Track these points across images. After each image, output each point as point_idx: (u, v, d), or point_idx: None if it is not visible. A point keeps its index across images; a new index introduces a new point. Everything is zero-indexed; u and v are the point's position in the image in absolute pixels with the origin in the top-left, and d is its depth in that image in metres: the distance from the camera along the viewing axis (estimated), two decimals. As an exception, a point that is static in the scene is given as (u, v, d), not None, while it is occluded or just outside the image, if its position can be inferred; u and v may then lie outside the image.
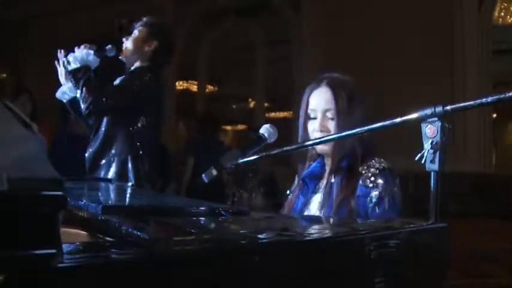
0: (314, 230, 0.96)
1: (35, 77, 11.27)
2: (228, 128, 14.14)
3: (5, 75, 13.73)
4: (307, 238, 0.83)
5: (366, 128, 1.39)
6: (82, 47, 2.89)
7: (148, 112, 2.97)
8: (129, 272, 0.63)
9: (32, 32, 12.55)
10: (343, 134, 1.51)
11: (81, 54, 2.86)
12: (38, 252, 0.56)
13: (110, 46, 2.99)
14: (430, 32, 9.39)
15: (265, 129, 1.89)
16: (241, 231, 0.86)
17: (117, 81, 3.04)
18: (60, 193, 0.58)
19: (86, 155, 3.00)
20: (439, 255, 1.03)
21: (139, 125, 2.94)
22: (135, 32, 3.07)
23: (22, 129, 0.76)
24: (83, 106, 2.84)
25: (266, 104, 13.53)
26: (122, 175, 2.84)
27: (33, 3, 11.43)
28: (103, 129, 2.97)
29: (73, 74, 2.86)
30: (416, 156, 1.21)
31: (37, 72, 11.59)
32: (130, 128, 2.93)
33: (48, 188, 0.57)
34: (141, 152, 2.92)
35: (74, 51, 2.88)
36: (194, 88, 13.99)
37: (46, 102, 3.34)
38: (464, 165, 8.78)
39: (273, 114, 14.73)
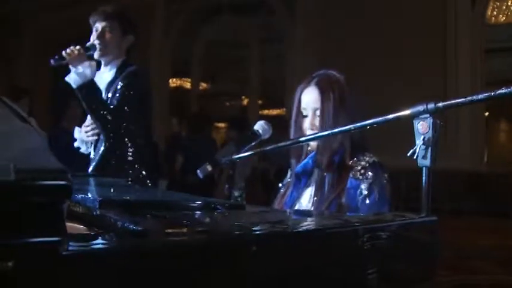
0: (307, 223, 0.98)
1: (27, 75, 11.22)
2: (222, 125, 14.16)
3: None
4: (300, 230, 0.85)
5: (358, 124, 1.41)
6: (75, 59, 2.71)
7: (140, 113, 2.93)
8: (128, 260, 0.66)
9: (25, 30, 12.50)
10: (335, 130, 1.54)
11: (82, 70, 2.73)
12: (44, 239, 0.59)
13: (90, 44, 2.87)
14: (423, 31, 9.43)
15: (259, 126, 1.91)
16: (235, 224, 0.88)
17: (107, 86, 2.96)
18: (65, 183, 0.60)
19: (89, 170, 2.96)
20: (429, 248, 1.05)
21: (131, 127, 2.88)
22: (105, 29, 2.90)
23: (21, 123, 0.78)
24: (98, 127, 2.82)
25: (260, 102, 13.56)
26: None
27: (25, 1, 11.38)
28: (102, 147, 2.92)
29: (79, 92, 2.75)
30: (408, 152, 1.23)
31: (30, 70, 11.56)
32: (126, 137, 2.88)
33: (54, 178, 0.59)
34: (140, 158, 2.90)
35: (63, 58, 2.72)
36: (188, 85, 13.99)
37: (39, 100, 3.35)
38: (457, 162, 8.84)
39: (266, 112, 14.75)
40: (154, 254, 0.68)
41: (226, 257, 0.75)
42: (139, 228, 0.87)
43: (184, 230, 0.83)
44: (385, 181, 1.75)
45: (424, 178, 1.21)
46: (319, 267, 0.81)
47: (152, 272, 0.66)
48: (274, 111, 14.70)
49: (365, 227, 0.86)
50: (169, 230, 0.82)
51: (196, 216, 1.07)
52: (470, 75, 9.64)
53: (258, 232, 0.78)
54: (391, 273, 0.91)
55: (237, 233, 0.78)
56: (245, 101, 14.18)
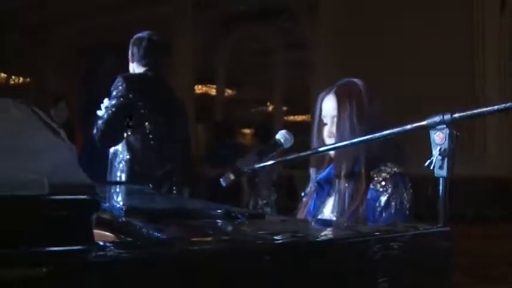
0: (320, 233, 1.01)
1: (58, 83, 11.43)
2: (247, 131, 14.19)
3: (28, 79, 14.01)
4: (314, 240, 0.88)
5: (377, 135, 1.43)
6: None
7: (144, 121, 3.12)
8: (151, 268, 0.71)
9: (53, 38, 12.75)
10: (353, 141, 1.57)
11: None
12: (73, 248, 0.65)
13: None
14: (450, 35, 9.33)
15: (281, 135, 1.95)
16: (253, 233, 0.92)
17: None
18: (93, 197, 0.66)
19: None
20: (441, 259, 1.07)
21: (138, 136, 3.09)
22: None
23: (53, 137, 0.83)
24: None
25: (284, 108, 13.57)
26: None
27: (53, 9, 11.61)
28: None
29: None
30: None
31: (60, 78, 11.80)
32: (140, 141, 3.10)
33: (83, 193, 0.65)
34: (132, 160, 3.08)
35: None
36: (213, 92, 14.10)
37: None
38: (484, 168, 8.72)
39: (291, 118, 14.74)
40: (176, 261, 0.73)
41: (241, 266, 0.79)
42: (162, 236, 0.92)
43: (205, 239, 0.87)
44: (405, 194, 1.73)
45: (440, 188, 1.23)
46: (330, 275, 0.84)
47: (173, 279, 0.71)
48: (300, 118, 14.68)
49: (376, 238, 0.89)
50: (191, 239, 0.86)
51: (216, 225, 1.12)
52: (499, 79, 9.52)
53: (272, 242, 0.82)
54: (402, 283, 0.94)
55: (251, 242, 0.82)
56: (270, 108, 14.21)
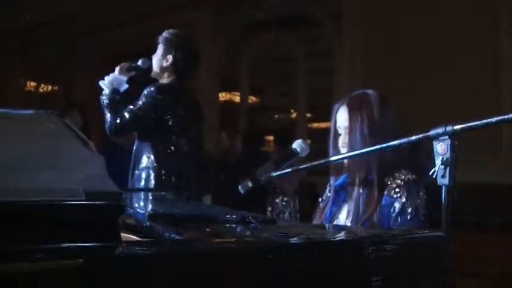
0: (322, 236, 1.10)
1: (85, 92, 11.69)
2: (270, 138, 14.26)
3: (56, 87, 14.36)
4: (313, 241, 0.98)
5: (384, 145, 1.52)
6: (117, 69, 3.19)
7: (167, 130, 3.21)
8: (165, 262, 0.82)
9: (80, 49, 13.05)
10: (363, 151, 1.65)
11: (112, 79, 3.19)
12: (104, 244, 0.78)
13: (143, 59, 3.25)
14: (475, 51, 9.25)
15: (297, 144, 2.03)
16: (260, 236, 1.02)
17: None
18: (119, 203, 0.80)
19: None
20: (436, 263, 1.14)
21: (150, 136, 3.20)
22: (158, 50, 3.29)
23: (84, 150, 0.94)
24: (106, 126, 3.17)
25: (308, 115, 13.61)
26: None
27: (78, 20, 11.88)
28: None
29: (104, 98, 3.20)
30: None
31: (87, 87, 12.07)
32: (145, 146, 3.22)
33: (111, 199, 0.77)
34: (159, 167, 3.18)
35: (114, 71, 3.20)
36: (236, 99, 14.22)
37: (95, 116, 3.65)
38: (508, 176, 8.62)
39: (315, 125, 14.78)
40: (191, 258, 0.84)
41: (247, 263, 0.89)
42: (181, 238, 1.03)
43: (220, 240, 0.98)
44: (418, 200, 1.78)
45: (443, 196, 1.31)
46: (326, 273, 0.93)
47: (189, 273, 0.82)
48: (323, 124, 14.68)
49: (370, 240, 0.98)
50: (207, 240, 0.96)
51: (231, 229, 1.22)
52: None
53: (273, 242, 0.92)
54: (396, 282, 1.02)
55: (255, 243, 0.92)
56: (294, 115, 14.27)
